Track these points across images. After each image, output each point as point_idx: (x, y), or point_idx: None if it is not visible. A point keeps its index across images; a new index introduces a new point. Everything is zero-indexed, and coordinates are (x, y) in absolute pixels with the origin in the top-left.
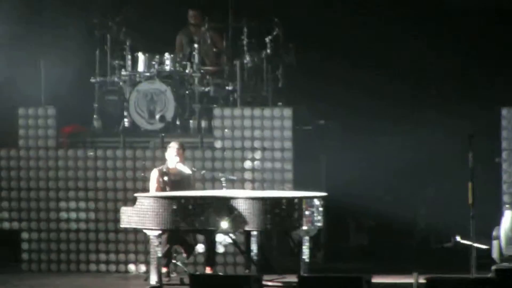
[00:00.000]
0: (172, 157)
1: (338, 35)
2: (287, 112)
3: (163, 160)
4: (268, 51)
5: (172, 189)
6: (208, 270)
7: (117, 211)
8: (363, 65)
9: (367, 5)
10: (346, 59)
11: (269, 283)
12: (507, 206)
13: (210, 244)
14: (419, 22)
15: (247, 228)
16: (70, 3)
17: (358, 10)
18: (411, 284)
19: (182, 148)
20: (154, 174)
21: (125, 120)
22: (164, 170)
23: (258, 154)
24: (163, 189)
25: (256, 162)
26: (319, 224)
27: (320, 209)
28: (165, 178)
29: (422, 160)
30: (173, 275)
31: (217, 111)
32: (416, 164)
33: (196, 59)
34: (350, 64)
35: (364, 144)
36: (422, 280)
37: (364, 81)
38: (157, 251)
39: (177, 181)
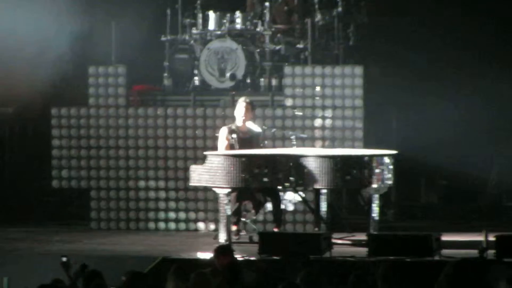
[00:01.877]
0: (240, 114)
1: None
2: (358, 70)
3: (233, 118)
4: (340, 9)
5: (241, 147)
6: (276, 229)
7: (187, 169)
8: (437, 25)
9: None
10: (419, 19)
11: (339, 241)
12: None
13: (279, 203)
14: None
15: (316, 186)
16: None
17: None
18: (480, 241)
19: (250, 104)
20: (223, 132)
21: (196, 78)
22: (233, 127)
23: (328, 112)
24: (232, 147)
25: (326, 120)
26: (389, 182)
27: (391, 167)
28: (234, 136)
29: (495, 119)
30: (243, 233)
31: (287, 69)
32: (489, 123)
33: (267, 17)
34: (424, 24)
35: (437, 102)
36: (491, 238)
37: (436, 39)
38: (226, 209)
39: (246, 139)
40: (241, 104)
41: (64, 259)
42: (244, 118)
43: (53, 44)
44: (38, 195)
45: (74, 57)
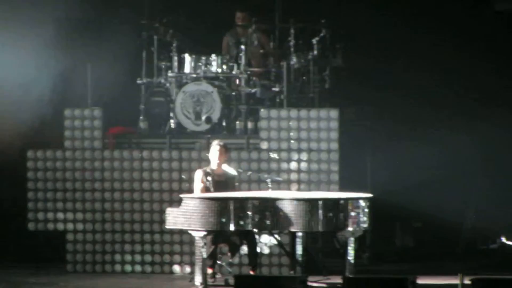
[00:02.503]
0: (214, 157)
1: (387, 38)
2: (334, 113)
3: (208, 161)
4: (315, 52)
5: (216, 189)
6: (252, 272)
7: (162, 212)
8: (411, 68)
9: (416, 9)
10: (395, 62)
11: (314, 284)
12: None
13: (254, 246)
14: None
15: (292, 229)
16: (118, 5)
17: (407, 12)
18: (456, 285)
19: (224, 147)
20: (198, 175)
21: (171, 121)
22: (208, 170)
23: (304, 156)
24: (208, 190)
25: (302, 163)
26: (365, 225)
27: (366, 210)
28: (209, 179)
29: (469, 162)
30: (218, 276)
31: (263, 113)
32: (464, 166)
33: (243, 61)
34: (398, 67)
35: (410, 145)
36: (467, 281)
37: (411, 82)
38: (202, 252)
39: (221, 181)
40: (215, 148)
41: None
42: (218, 161)
43: (32, 87)
44: (14, 237)
45: (51, 100)
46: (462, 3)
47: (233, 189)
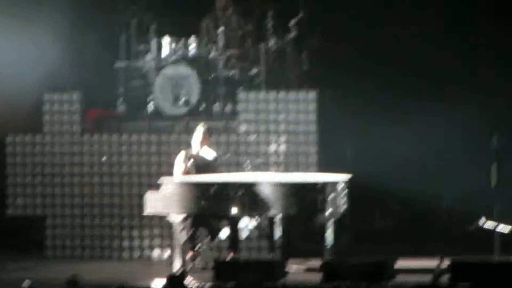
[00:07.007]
0: (197, 140)
1: (365, 19)
2: (312, 95)
3: (187, 144)
4: (293, 34)
5: (197, 172)
6: (231, 255)
7: (141, 196)
8: (390, 50)
9: None
10: (372, 44)
11: (293, 268)
12: None
13: (234, 229)
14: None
15: (270, 213)
16: None
17: None
18: (435, 267)
19: (207, 132)
20: (180, 156)
21: (150, 104)
22: (191, 153)
23: (283, 138)
24: (189, 172)
25: (280, 146)
26: (344, 207)
27: (345, 192)
28: (191, 161)
29: (447, 143)
30: (198, 259)
31: (241, 95)
32: (441, 147)
33: (221, 43)
34: (376, 49)
35: (390, 126)
36: (446, 262)
37: (388, 66)
38: (181, 236)
39: (203, 165)
40: (199, 131)
41: (27, 283)
42: (201, 145)
43: (11, 71)
44: None
45: (30, 83)
46: None
47: (214, 172)
